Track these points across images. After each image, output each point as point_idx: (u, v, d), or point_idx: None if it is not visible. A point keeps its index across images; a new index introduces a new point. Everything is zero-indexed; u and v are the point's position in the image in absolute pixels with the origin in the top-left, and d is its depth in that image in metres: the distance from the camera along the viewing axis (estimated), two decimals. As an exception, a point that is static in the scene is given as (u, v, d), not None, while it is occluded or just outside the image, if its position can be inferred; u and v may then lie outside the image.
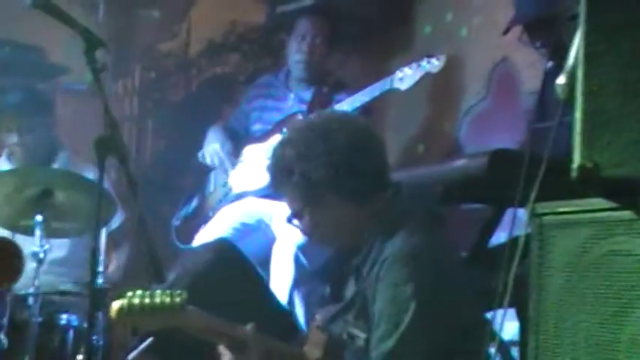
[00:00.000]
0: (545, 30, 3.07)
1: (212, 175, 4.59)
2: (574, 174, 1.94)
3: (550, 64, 3.16)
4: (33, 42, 4.97)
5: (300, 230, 2.65)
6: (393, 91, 4.28)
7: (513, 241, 2.35)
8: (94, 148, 2.86)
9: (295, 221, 2.62)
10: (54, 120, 4.38)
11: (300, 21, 4.49)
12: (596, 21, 1.90)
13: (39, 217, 3.51)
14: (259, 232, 4.27)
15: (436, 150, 4.97)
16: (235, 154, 4.51)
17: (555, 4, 3.04)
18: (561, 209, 2.13)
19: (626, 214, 1.96)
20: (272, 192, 4.21)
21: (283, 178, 2.57)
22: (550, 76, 3.15)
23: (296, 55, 4.45)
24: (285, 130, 4.28)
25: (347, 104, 4.28)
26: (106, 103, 2.90)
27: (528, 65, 4.31)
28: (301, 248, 3.93)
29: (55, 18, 2.91)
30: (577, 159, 1.94)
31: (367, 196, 2.55)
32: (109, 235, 4.01)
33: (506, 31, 3.14)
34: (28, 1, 2.87)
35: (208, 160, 4.50)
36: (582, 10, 1.93)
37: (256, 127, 4.56)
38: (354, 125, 2.62)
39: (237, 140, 4.54)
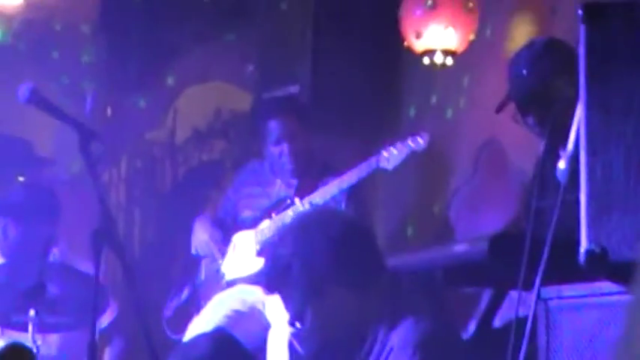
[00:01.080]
0: (537, 107, 3.11)
1: (203, 264, 4.56)
2: (582, 258, 1.93)
3: (545, 143, 3.20)
4: (20, 134, 4.97)
5: (304, 331, 2.61)
6: (379, 172, 4.30)
7: (518, 322, 2.34)
8: (90, 240, 2.83)
9: (298, 324, 2.59)
10: (57, 217, 4.34)
11: (271, 124, 4.43)
12: (598, 105, 1.93)
13: (32, 312, 3.47)
14: (253, 319, 4.22)
15: (426, 231, 4.97)
16: (225, 242, 4.49)
17: (549, 83, 3.08)
18: (568, 293, 2.13)
19: (636, 296, 1.95)
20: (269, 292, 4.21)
21: (282, 279, 2.55)
22: (547, 154, 3.19)
23: (279, 161, 4.43)
24: (275, 221, 4.31)
25: (335, 187, 4.29)
26: (102, 195, 2.89)
27: (516, 144, 4.35)
28: (295, 335, 3.89)
29: (50, 114, 2.91)
30: (584, 243, 1.94)
31: (367, 283, 2.54)
32: (101, 333, 3.97)
33: (499, 109, 3.18)
34: (23, 98, 2.87)
35: (199, 252, 4.50)
36: (583, 94, 1.96)
37: (245, 214, 4.55)
38: (342, 215, 2.68)
39: (226, 228, 4.53)
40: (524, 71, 3.10)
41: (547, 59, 3.11)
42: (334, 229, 2.54)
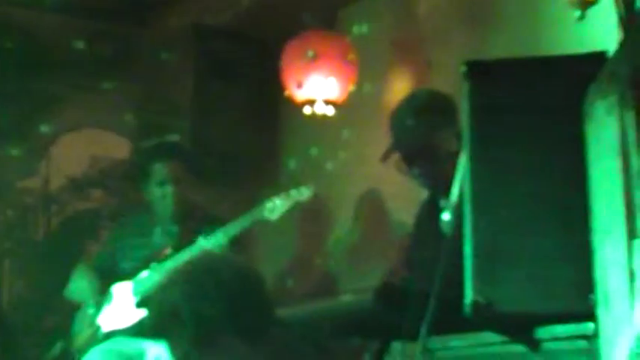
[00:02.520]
0: (422, 158, 3.14)
1: (77, 315, 4.44)
2: (467, 310, 1.95)
3: (427, 193, 3.24)
4: None
5: None
6: (263, 222, 4.29)
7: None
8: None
9: None
10: None
11: (156, 166, 4.41)
12: (484, 161, 1.96)
13: None
14: (131, 373, 4.12)
15: (306, 283, 4.98)
16: (102, 292, 4.39)
17: (433, 134, 3.12)
18: (454, 344, 2.16)
19: (519, 347, 1.99)
20: (150, 336, 4.11)
21: (168, 322, 2.48)
22: (429, 205, 3.24)
23: (162, 203, 4.39)
24: (155, 270, 4.24)
25: (216, 236, 4.26)
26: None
27: (394, 197, 4.42)
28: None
29: None
30: (469, 295, 1.96)
31: (259, 334, 2.50)
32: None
33: (384, 159, 3.20)
34: None
35: (75, 299, 4.38)
36: (468, 149, 1.99)
37: (124, 264, 4.46)
38: (238, 263, 2.62)
39: (105, 279, 4.43)
40: (409, 122, 3.13)
41: (431, 111, 3.15)
42: (226, 275, 2.49)
